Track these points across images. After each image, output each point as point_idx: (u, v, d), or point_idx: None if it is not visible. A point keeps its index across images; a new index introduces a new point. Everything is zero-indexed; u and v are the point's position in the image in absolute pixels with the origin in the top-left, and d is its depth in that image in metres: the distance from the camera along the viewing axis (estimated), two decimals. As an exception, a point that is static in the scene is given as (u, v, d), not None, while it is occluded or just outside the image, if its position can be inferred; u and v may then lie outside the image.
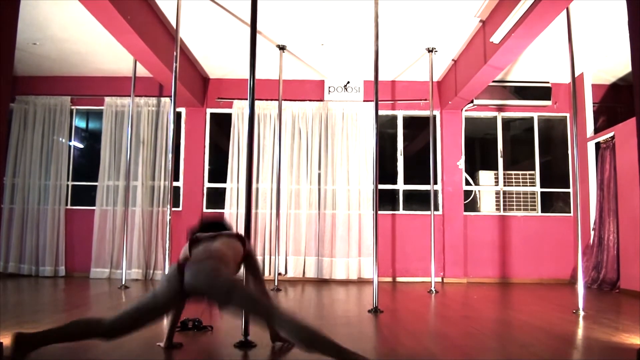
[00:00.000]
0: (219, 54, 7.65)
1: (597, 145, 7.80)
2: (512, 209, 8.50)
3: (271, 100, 8.30)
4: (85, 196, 8.52)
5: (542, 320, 4.62)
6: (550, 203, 8.68)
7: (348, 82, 8.58)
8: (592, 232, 7.77)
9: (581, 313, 4.86)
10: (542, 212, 8.49)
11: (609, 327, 4.27)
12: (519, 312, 5.31)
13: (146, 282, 7.72)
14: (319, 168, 8.42)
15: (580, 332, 4.16)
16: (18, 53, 7.04)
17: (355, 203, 8.30)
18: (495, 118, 8.73)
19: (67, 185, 8.49)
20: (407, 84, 8.67)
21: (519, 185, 8.55)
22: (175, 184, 8.38)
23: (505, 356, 3.26)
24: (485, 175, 8.62)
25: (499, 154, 8.64)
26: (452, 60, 7.70)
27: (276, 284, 6.98)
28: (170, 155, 5.36)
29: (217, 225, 3.24)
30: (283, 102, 7.88)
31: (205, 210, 8.46)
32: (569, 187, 8.52)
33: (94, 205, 8.33)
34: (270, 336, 3.15)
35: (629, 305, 5.80)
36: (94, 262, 8.13)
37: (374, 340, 3.78)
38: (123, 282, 6.87)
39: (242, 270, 3.12)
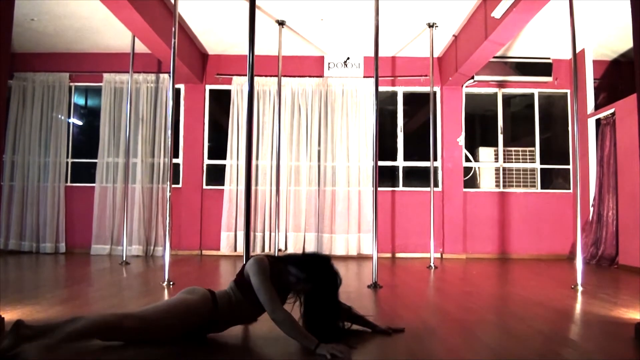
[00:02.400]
0: (217, 29, 7.58)
1: (598, 121, 7.78)
2: (512, 186, 8.51)
3: (270, 76, 8.26)
4: (84, 173, 8.52)
5: (540, 295, 4.65)
6: (550, 179, 8.68)
7: (348, 58, 8.52)
8: (591, 209, 7.79)
9: (580, 288, 4.89)
10: (541, 188, 8.50)
11: (607, 302, 4.30)
12: (517, 287, 5.35)
13: (147, 258, 7.76)
14: (319, 145, 8.40)
15: (578, 307, 4.19)
16: (16, 29, 6.97)
17: (355, 179, 8.31)
18: (495, 94, 8.69)
19: (67, 163, 8.48)
20: (408, 60, 8.62)
21: (519, 162, 8.55)
22: (174, 160, 8.38)
23: (503, 330, 3.29)
24: (485, 152, 8.61)
25: (499, 131, 8.62)
26: (453, 35, 7.64)
27: (276, 260, 6.99)
28: (169, 132, 5.33)
29: None
30: (282, 78, 7.84)
31: (205, 187, 8.47)
32: (568, 164, 8.52)
33: (93, 182, 8.33)
34: None
35: (627, 280, 5.84)
36: (95, 239, 8.17)
37: (374, 314, 3.80)
38: (124, 259, 6.91)
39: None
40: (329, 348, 2.38)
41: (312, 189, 8.33)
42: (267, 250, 8.11)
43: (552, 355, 2.65)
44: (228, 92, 8.52)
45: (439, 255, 8.20)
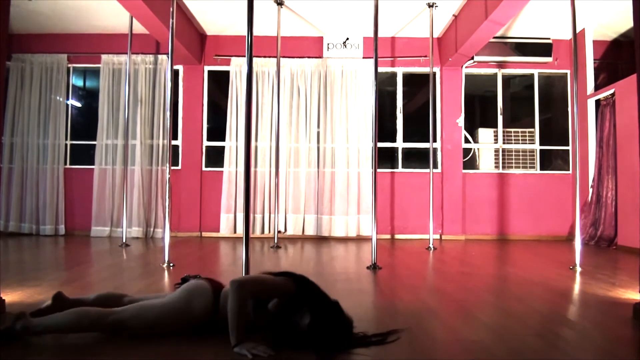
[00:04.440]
0: (215, 9, 7.52)
1: (597, 102, 7.75)
2: (511, 167, 8.52)
3: (269, 57, 8.22)
4: (84, 155, 8.51)
5: (539, 276, 4.67)
6: (550, 160, 8.68)
7: (347, 39, 8.47)
8: (590, 190, 7.80)
9: (578, 269, 4.92)
10: (541, 169, 8.50)
11: (605, 282, 4.32)
12: (516, 268, 5.38)
13: (146, 240, 7.78)
14: (318, 126, 8.39)
15: (577, 287, 4.22)
16: (13, 10, 6.89)
17: (354, 161, 8.30)
18: (495, 75, 8.65)
19: (66, 145, 8.47)
20: (407, 40, 8.56)
21: (518, 143, 8.54)
22: (173, 142, 8.36)
23: (502, 310, 3.32)
24: (484, 133, 8.60)
25: (499, 112, 8.60)
26: (453, 15, 7.58)
27: (276, 241, 7.02)
28: (168, 114, 5.32)
29: None
30: (281, 59, 7.79)
31: (204, 169, 8.47)
32: (568, 145, 8.52)
33: (92, 164, 8.32)
34: None
35: (625, 261, 5.86)
36: (94, 221, 8.18)
37: (373, 295, 3.83)
38: (124, 240, 6.93)
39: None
40: (249, 347, 2.27)
41: (312, 170, 8.33)
42: (266, 232, 8.13)
43: (550, 334, 2.67)
44: (227, 73, 8.48)
45: (438, 236, 8.23)
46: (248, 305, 2.46)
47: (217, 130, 8.53)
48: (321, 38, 8.51)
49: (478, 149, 8.60)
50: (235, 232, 8.17)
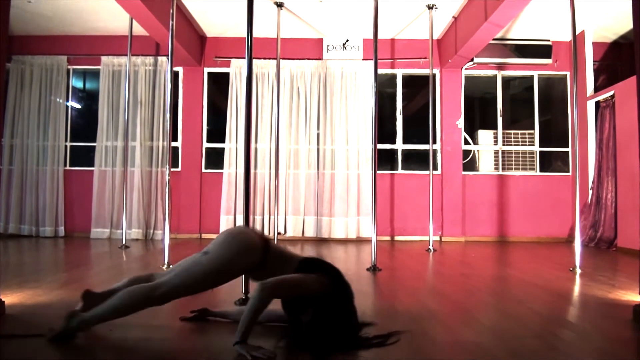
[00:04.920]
0: (215, 11, 7.53)
1: (597, 104, 7.76)
2: (511, 169, 8.52)
3: (269, 59, 8.23)
4: (83, 157, 8.51)
5: (539, 278, 4.67)
6: (549, 162, 8.69)
7: (347, 41, 8.48)
8: (590, 191, 7.80)
9: (578, 271, 4.91)
10: (540, 171, 8.50)
11: (605, 284, 4.32)
12: (516, 269, 5.37)
13: (146, 242, 7.77)
14: (318, 128, 8.39)
15: (576, 289, 4.22)
16: (13, 11, 6.88)
17: (354, 163, 8.30)
18: (495, 77, 8.66)
19: (66, 146, 8.47)
20: (407, 42, 8.57)
21: (518, 145, 8.54)
22: (173, 144, 8.36)
23: (502, 312, 3.31)
24: (484, 135, 8.60)
25: (499, 113, 8.60)
26: (453, 17, 7.59)
27: (276, 243, 7.00)
28: (168, 115, 5.32)
29: None
30: (281, 60, 7.80)
31: (204, 170, 8.47)
32: (568, 147, 8.52)
33: (92, 166, 8.32)
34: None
35: (625, 263, 5.86)
36: (94, 223, 8.18)
37: (373, 297, 3.82)
38: (123, 242, 6.91)
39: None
40: (249, 348, 2.23)
41: (312, 172, 8.33)
42: (266, 233, 8.12)
43: (550, 336, 2.67)
44: (226, 75, 8.48)
45: (437, 238, 8.22)
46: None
47: (217, 132, 8.54)
48: (321, 40, 8.52)
49: (478, 150, 8.60)
50: (235, 233, 8.14)
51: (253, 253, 2.58)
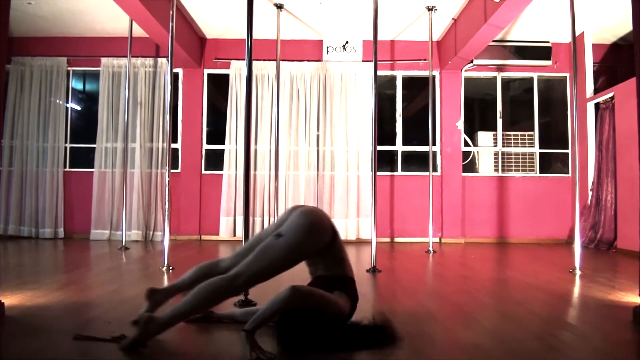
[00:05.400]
0: (215, 12, 7.53)
1: (597, 105, 7.76)
2: (511, 170, 8.51)
3: (269, 60, 8.23)
4: (83, 158, 8.51)
5: (538, 279, 4.67)
6: (549, 164, 8.69)
7: (347, 42, 8.48)
8: (590, 193, 7.80)
9: (578, 272, 4.91)
10: (540, 172, 8.50)
11: (605, 285, 4.32)
12: (516, 271, 5.37)
13: (146, 243, 7.77)
14: (318, 129, 8.39)
15: (576, 290, 4.22)
16: (13, 13, 6.88)
17: (353, 164, 8.30)
18: (494, 78, 8.66)
19: (65, 148, 8.47)
20: (407, 43, 8.57)
21: (518, 146, 8.54)
22: (173, 145, 8.36)
23: (502, 313, 3.31)
24: (484, 136, 8.60)
25: (498, 115, 8.60)
26: (452, 19, 7.59)
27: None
28: (168, 117, 5.32)
29: None
30: (281, 62, 7.80)
31: (204, 172, 8.46)
32: (567, 148, 8.52)
33: (92, 167, 8.32)
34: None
35: (625, 264, 5.86)
36: (94, 224, 8.18)
37: (372, 298, 3.82)
38: (123, 244, 6.90)
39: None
40: (253, 344, 2.20)
41: (311, 173, 8.33)
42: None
43: (549, 337, 2.67)
44: (226, 76, 8.48)
45: (437, 239, 8.22)
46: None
47: (217, 133, 8.54)
48: (321, 41, 8.52)
49: (477, 152, 8.60)
50: (234, 235, 8.17)
51: (324, 237, 2.61)
